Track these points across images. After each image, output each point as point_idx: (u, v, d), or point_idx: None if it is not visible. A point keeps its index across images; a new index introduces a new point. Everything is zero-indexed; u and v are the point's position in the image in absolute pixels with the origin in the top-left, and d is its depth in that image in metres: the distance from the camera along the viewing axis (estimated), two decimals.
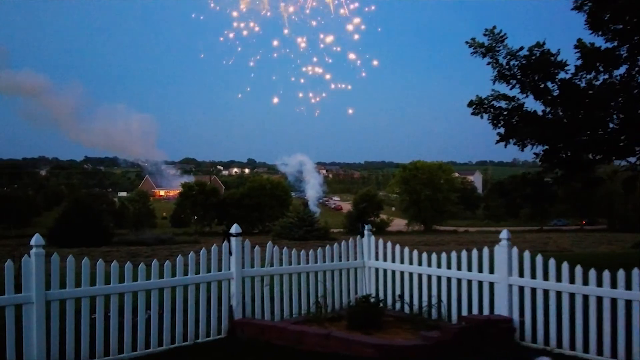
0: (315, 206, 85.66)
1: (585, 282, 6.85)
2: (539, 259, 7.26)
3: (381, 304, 8.36)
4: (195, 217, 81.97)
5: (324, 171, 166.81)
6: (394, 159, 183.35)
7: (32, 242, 6.06)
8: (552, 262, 7.16)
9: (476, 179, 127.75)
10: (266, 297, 8.09)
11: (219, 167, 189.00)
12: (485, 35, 12.64)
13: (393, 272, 8.83)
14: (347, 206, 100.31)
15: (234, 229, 7.84)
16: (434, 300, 8.21)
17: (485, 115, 13.01)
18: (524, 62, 12.40)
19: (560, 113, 12.90)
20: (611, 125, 12.60)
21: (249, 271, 7.96)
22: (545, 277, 7.23)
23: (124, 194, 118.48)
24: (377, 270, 9.08)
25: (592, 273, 6.79)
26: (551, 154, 13.08)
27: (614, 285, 6.60)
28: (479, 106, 12.97)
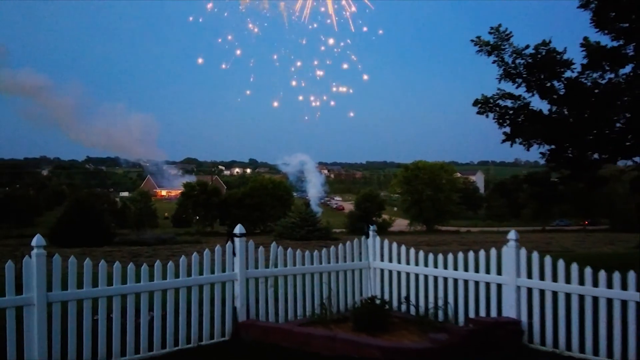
0: (317, 206, 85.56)
1: (595, 283, 6.75)
2: (548, 260, 7.15)
3: (387, 306, 8.25)
4: (197, 217, 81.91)
5: (326, 171, 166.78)
6: (395, 159, 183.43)
7: (33, 242, 5.96)
8: (561, 263, 7.05)
9: (478, 179, 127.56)
10: (270, 299, 7.98)
11: (220, 167, 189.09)
12: (490, 33, 12.53)
13: (399, 273, 8.72)
14: (348, 206, 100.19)
15: (238, 229, 7.73)
16: (441, 302, 8.11)
17: (491, 115, 12.91)
18: (529, 60, 12.29)
19: (566, 112, 12.79)
20: (618, 125, 12.48)
21: (253, 272, 7.86)
22: (554, 279, 7.12)
23: (125, 194, 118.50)
24: (382, 271, 8.97)
25: (602, 274, 6.70)
26: (557, 153, 12.97)
27: (624, 287, 6.50)
28: (484, 105, 12.86)
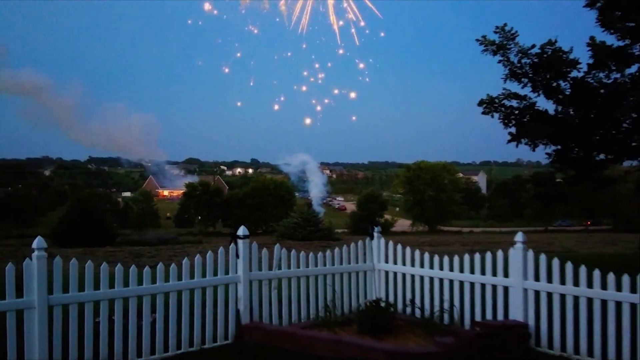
0: (319, 206, 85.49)
1: (604, 286, 6.65)
2: (555, 262, 7.05)
3: (392, 308, 8.16)
4: (199, 218, 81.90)
5: (328, 171, 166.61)
6: (397, 159, 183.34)
7: (34, 245, 5.88)
8: (569, 266, 6.96)
9: (480, 179, 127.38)
10: (274, 301, 7.89)
11: (222, 167, 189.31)
12: (496, 32, 12.43)
13: (404, 275, 8.63)
14: (350, 206, 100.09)
15: (242, 231, 7.65)
16: (446, 305, 8.01)
17: (496, 115, 12.82)
18: (535, 60, 12.20)
19: (572, 112, 12.69)
20: (624, 125, 12.37)
21: (257, 274, 7.77)
22: (562, 281, 7.03)
23: (127, 194, 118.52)
24: (387, 273, 8.88)
25: (611, 277, 6.60)
26: (563, 154, 12.88)
27: (633, 289, 6.41)
28: (489, 105, 12.75)
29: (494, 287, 7.62)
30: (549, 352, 7.03)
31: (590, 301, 6.77)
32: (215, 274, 7.46)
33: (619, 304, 6.50)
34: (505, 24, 12.29)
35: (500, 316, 7.49)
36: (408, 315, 8.35)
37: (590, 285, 6.77)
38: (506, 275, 7.52)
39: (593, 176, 14.00)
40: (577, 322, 6.83)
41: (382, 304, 7.92)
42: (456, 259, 8.03)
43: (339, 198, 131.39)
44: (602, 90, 12.43)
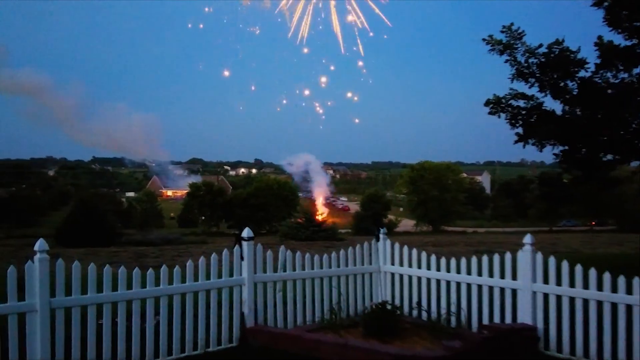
0: (322, 206, 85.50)
1: (614, 289, 6.55)
2: (565, 264, 6.95)
3: (398, 311, 8.07)
4: (203, 218, 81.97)
5: (331, 171, 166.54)
6: (401, 159, 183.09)
7: (36, 247, 5.80)
8: (578, 268, 6.86)
9: (484, 179, 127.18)
10: (279, 304, 7.80)
11: (226, 167, 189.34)
12: (502, 32, 12.32)
13: (410, 277, 8.53)
14: (354, 206, 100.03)
15: (246, 232, 7.56)
16: (453, 307, 7.91)
17: (503, 115, 12.71)
18: (542, 60, 12.09)
19: (579, 112, 12.58)
20: (632, 126, 12.25)
21: (261, 276, 7.68)
22: (571, 284, 6.93)
23: (131, 194, 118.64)
24: (393, 275, 8.78)
25: (622, 280, 6.50)
26: (570, 154, 12.77)
27: None
28: (496, 105, 12.64)
29: (502, 289, 7.53)
30: (557, 356, 6.93)
31: (600, 304, 6.66)
32: (220, 276, 7.37)
33: (629, 307, 6.40)
34: (511, 24, 12.18)
35: (508, 319, 7.40)
36: (414, 318, 8.26)
37: (600, 287, 6.66)
38: (514, 277, 7.42)
39: (600, 176, 13.88)
40: (586, 325, 6.73)
41: (388, 307, 7.83)
42: (463, 260, 7.93)
43: (343, 198, 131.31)
44: (609, 90, 12.31)
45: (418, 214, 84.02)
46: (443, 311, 7.98)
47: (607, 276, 6.61)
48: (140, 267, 6.79)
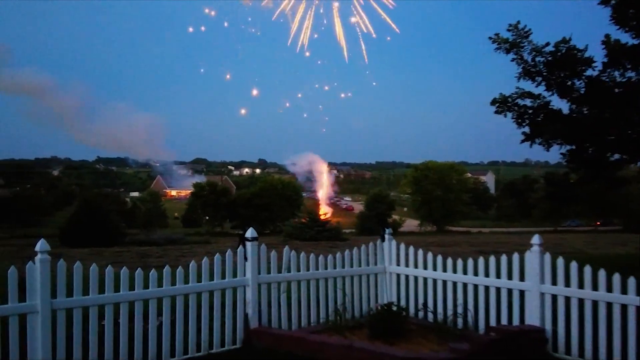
0: (326, 206, 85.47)
1: (624, 290, 6.44)
2: (574, 265, 6.84)
3: (404, 312, 7.96)
4: (207, 218, 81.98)
5: (335, 171, 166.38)
6: (405, 159, 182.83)
7: (37, 247, 5.73)
8: (587, 269, 6.76)
9: (488, 179, 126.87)
10: (283, 305, 7.72)
11: (230, 167, 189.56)
12: (509, 30, 12.21)
13: (416, 278, 8.43)
14: (358, 206, 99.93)
15: (250, 233, 7.47)
16: (460, 309, 7.80)
17: (509, 114, 12.59)
18: (549, 58, 11.97)
19: (586, 111, 12.46)
20: None
21: (265, 277, 7.59)
22: (580, 285, 6.82)
23: (135, 194, 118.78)
24: (398, 276, 8.68)
25: (632, 281, 6.39)
26: (577, 153, 12.65)
27: None
28: (502, 104, 12.51)
29: (510, 291, 7.42)
30: (566, 358, 6.84)
31: (609, 305, 6.56)
32: (224, 276, 7.29)
33: (639, 309, 6.29)
34: (518, 22, 12.05)
35: (516, 321, 7.30)
36: (421, 320, 8.16)
37: (609, 289, 6.56)
38: (522, 278, 7.31)
39: (606, 176, 13.75)
40: (595, 327, 6.62)
41: (394, 308, 7.72)
42: (470, 261, 7.82)
43: (347, 198, 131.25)
44: (616, 89, 12.18)
45: (422, 214, 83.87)
46: (449, 313, 7.88)
47: (616, 277, 6.50)
48: (144, 267, 6.71)
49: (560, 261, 6.97)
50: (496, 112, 12.70)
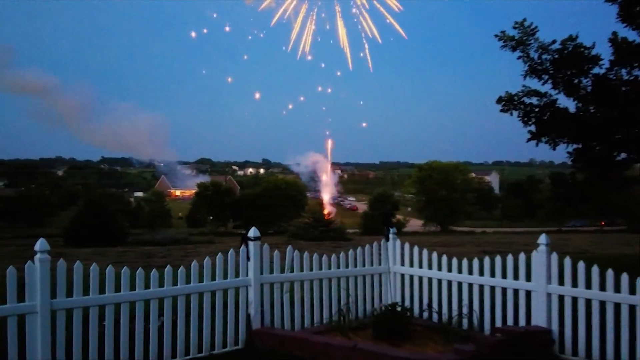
0: (330, 206, 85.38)
1: (632, 290, 6.33)
2: (581, 265, 6.74)
3: (408, 313, 7.87)
4: (211, 218, 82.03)
5: (339, 171, 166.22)
6: (409, 159, 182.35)
7: (37, 247, 5.66)
8: (595, 269, 6.65)
9: (493, 179, 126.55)
10: (286, 305, 7.63)
11: (234, 167, 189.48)
12: (515, 28, 12.11)
13: (420, 278, 8.34)
14: (362, 206, 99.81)
15: (252, 232, 7.39)
16: (465, 309, 7.71)
17: (515, 113, 12.48)
18: (556, 56, 11.86)
19: (592, 110, 12.34)
20: None
21: (268, 277, 7.51)
22: (587, 285, 6.72)
23: (140, 194, 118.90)
24: (402, 276, 8.59)
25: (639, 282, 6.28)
26: (583, 152, 12.53)
27: None
28: (508, 103, 12.40)
29: (516, 291, 7.32)
30: (573, 359, 6.72)
31: (617, 306, 6.45)
32: (226, 276, 7.21)
33: None
34: (524, 19, 11.95)
35: (522, 321, 7.20)
36: (425, 320, 8.08)
37: (617, 289, 6.45)
38: (528, 279, 7.22)
39: (614, 176, 13.61)
40: (603, 328, 6.52)
41: (398, 308, 7.63)
42: (475, 261, 7.73)
43: (350, 198, 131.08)
44: (623, 88, 12.06)
45: (426, 214, 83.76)
46: (454, 313, 7.79)
47: (625, 277, 6.40)
48: (147, 267, 6.66)
49: (567, 261, 6.87)
50: (502, 111, 12.59)
